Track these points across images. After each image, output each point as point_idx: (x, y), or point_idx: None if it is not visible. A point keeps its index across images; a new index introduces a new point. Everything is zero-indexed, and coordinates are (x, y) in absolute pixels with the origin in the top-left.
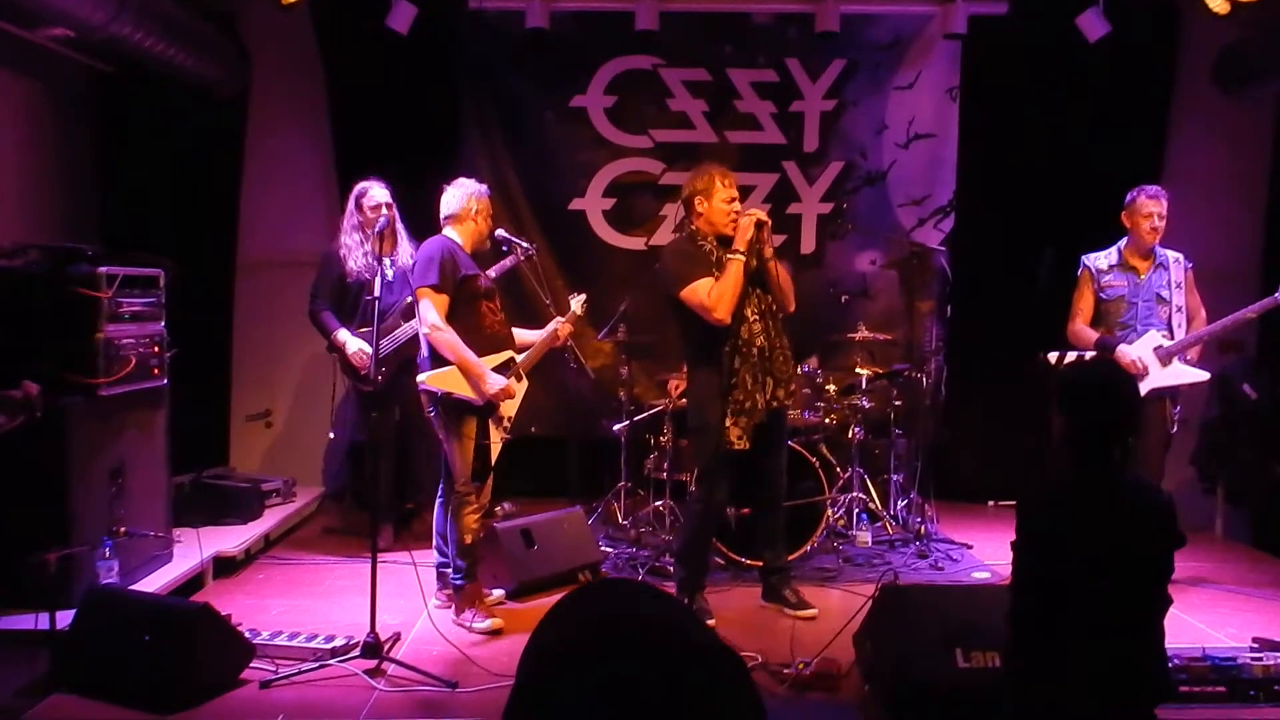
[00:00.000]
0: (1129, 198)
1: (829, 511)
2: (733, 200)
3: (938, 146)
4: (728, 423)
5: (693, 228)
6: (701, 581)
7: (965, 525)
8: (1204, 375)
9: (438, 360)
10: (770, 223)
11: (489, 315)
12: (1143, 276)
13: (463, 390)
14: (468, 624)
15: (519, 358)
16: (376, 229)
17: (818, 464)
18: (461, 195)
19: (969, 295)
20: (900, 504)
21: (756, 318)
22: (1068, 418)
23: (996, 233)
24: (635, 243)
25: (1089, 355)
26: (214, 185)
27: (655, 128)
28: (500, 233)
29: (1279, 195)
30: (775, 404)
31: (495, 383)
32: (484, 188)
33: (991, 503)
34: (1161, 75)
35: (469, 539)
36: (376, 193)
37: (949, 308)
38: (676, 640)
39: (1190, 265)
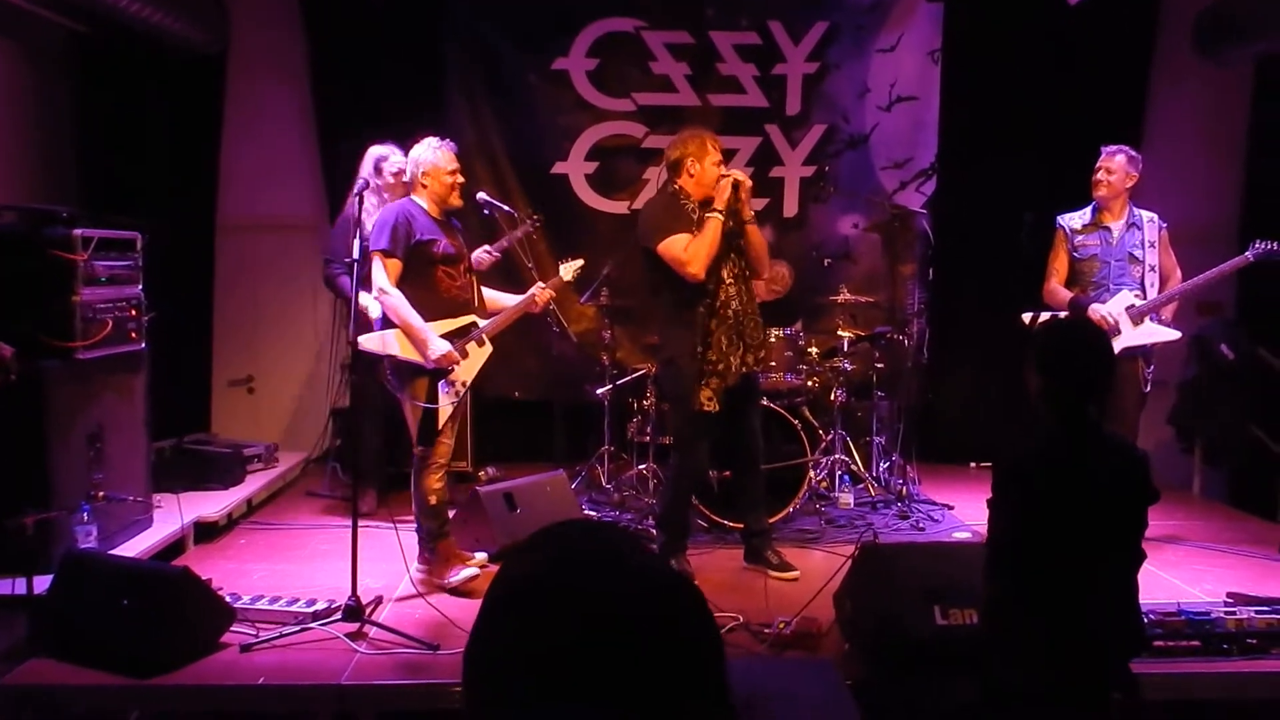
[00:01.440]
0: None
1: (811, 474)
2: (720, 163)
3: (920, 109)
4: (699, 384)
5: (675, 187)
6: (682, 545)
7: (947, 486)
8: (1175, 334)
9: (390, 323)
10: (750, 184)
11: (446, 280)
12: (1115, 235)
13: (405, 353)
14: (447, 582)
15: (483, 322)
16: (355, 188)
17: (800, 426)
18: (414, 158)
19: (951, 258)
20: (882, 466)
21: (731, 280)
22: (1044, 376)
23: (978, 195)
24: (618, 206)
25: (1063, 314)
26: (193, 146)
27: (638, 91)
28: (482, 196)
29: (1257, 155)
30: (746, 368)
31: (438, 348)
32: (441, 145)
33: (973, 464)
34: (1141, 37)
35: (433, 499)
36: (398, 159)
37: (931, 270)
38: (635, 570)
39: (1165, 225)
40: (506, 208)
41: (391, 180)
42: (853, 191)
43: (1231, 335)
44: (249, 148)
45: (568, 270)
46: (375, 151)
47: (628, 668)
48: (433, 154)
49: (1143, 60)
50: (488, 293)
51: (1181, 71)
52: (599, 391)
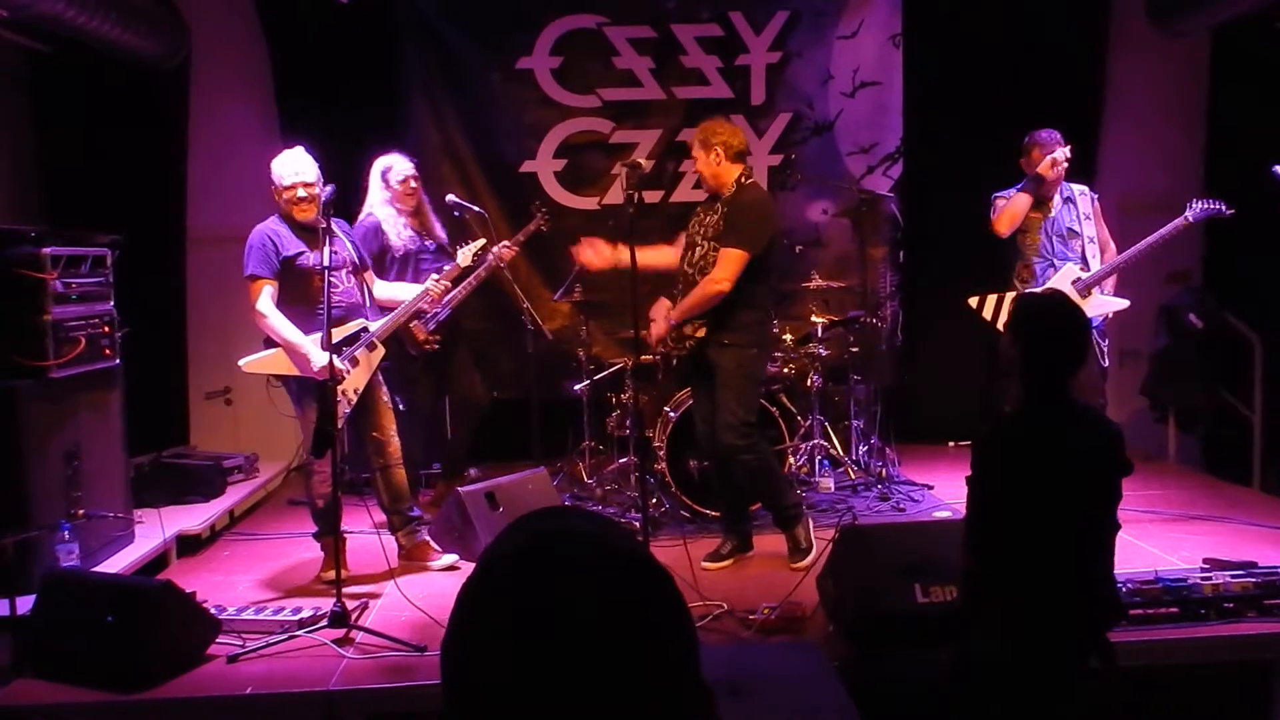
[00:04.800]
0: (1025, 143)
1: (791, 460)
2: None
3: (883, 94)
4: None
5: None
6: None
7: (926, 467)
8: (1124, 303)
9: (272, 343)
10: None
11: (325, 291)
12: (1053, 212)
13: (285, 370)
14: (430, 564)
15: (375, 325)
16: (323, 197)
17: (778, 413)
18: (273, 174)
19: (921, 239)
20: (861, 449)
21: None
22: (1022, 349)
23: (945, 176)
24: (588, 202)
25: (1009, 294)
26: (160, 159)
27: (602, 87)
28: (451, 198)
29: (1217, 125)
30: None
31: (319, 361)
32: (283, 159)
33: (952, 443)
34: (1097, 10)
35: (320, 504)
36: (403, 166)
37: (901, 253)
38: (605, 550)
39: (1097, 196)
40: (476, 208)
41: (399, 188)
42: (820, 178)
43: (1199, 303)
44: (215, 159)
45: (465, 254)
46: (381, 162)
47: (602, 646)
48: (276, 168)
49: (1101, 33)
50: (387, 288)
51: (1139, 43)
52: (577, 387)
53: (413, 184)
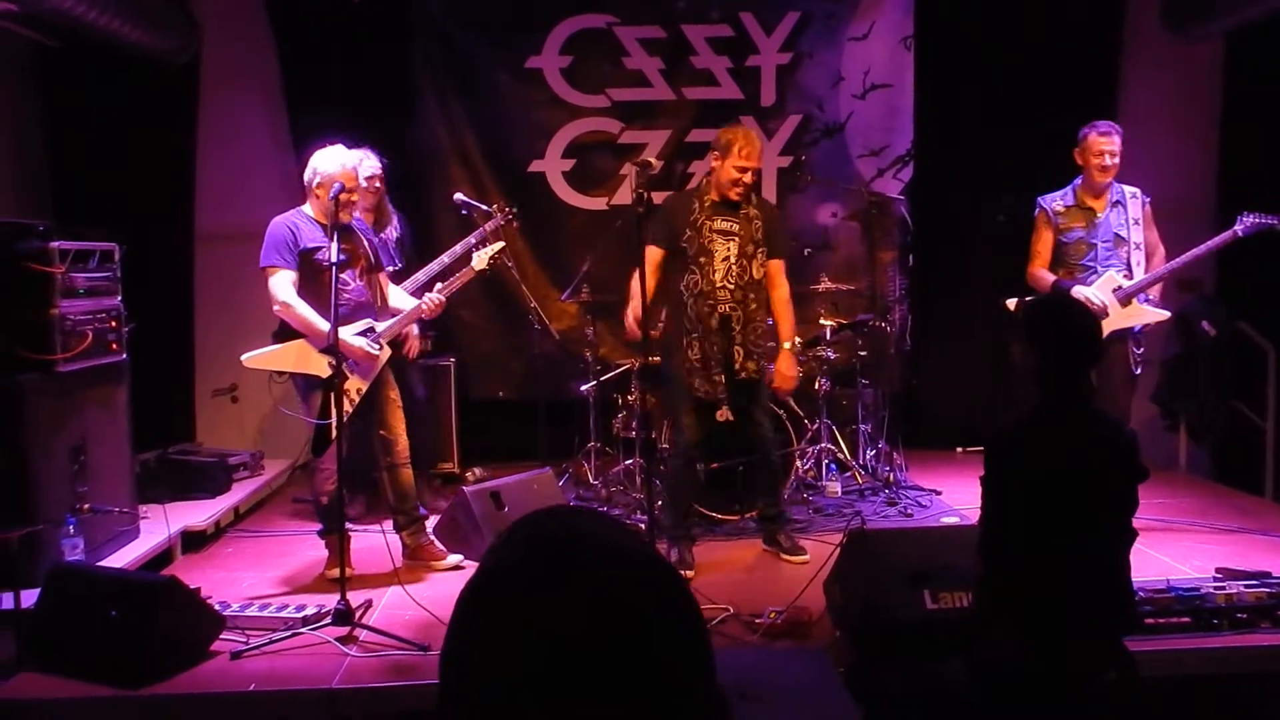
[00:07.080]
0: (1080, 134)
1: (798, 463)
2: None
3: (894, 96)
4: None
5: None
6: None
7: (934, 472)
8: (1164, 314)
9: (284, 335)
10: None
11: (333, 287)
12: (1100, 216)
13: (288, 366)
14: (434, 565)
15: (381, 326)
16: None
17: (785, 416)
18: (313, 164)
19: (930, 243)
20: (869, 453)
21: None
22: (1033, 352)
23: (956, 180)
24: (596, 203)
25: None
26: (169, 156)
27: (612, 87)
28: (459, 197)
29: (1231, 130)
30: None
31: (357, 343)
32: (346, 161)
33: (960, 449)
34: (1111, 15)
35: (324, 501)
36: (370, 163)
37: (911, 256)
38: (613, 553)
39: (1149, 199)
40: (484, 206)
41: (364, 185)
42: (830, 180)
43: (1212, 312)
44: (224, 156)
45: (480, 258)
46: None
47: (611, 651)
48: (333, 167)
49: (1114, 38)
50: (397, 294)
51: (1153, 48)
52: (583, 388)
53: (377, 184)
